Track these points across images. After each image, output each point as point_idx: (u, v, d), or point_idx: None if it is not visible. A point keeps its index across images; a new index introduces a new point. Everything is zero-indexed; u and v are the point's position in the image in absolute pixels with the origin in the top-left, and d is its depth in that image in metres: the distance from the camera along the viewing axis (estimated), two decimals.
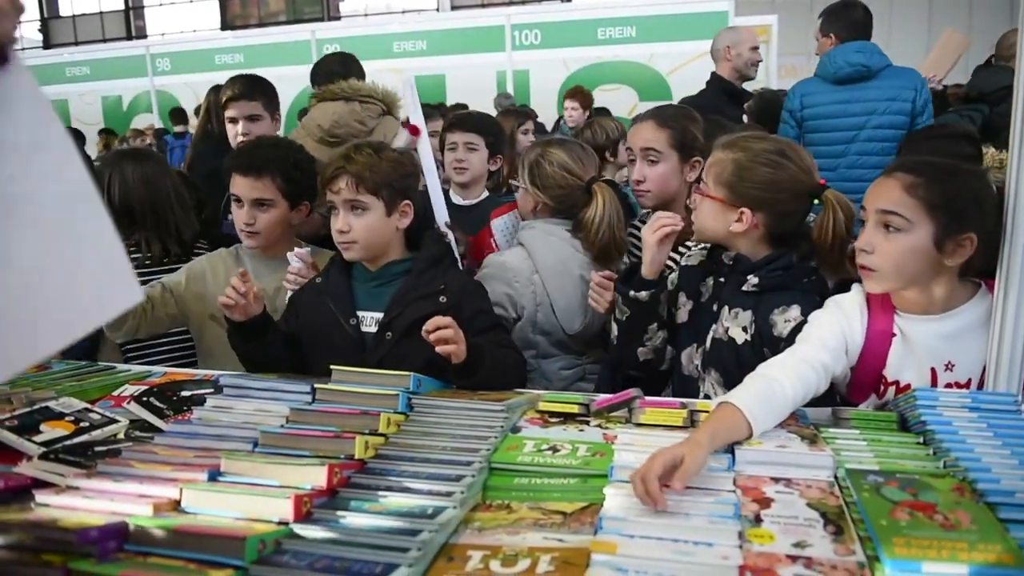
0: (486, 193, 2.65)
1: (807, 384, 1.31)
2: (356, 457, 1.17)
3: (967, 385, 1.39)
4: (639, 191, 2.06)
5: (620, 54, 6.36)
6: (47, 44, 14.97)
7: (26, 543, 0.90)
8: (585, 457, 1.20)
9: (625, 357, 1.76)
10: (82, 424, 1.39)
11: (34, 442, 1.28)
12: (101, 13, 15.90)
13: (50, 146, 0.80)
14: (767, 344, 1.52)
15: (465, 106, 5.45)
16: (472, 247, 2.22)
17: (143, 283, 1.91)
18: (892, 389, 1.42)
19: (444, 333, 1.47)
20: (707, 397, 1.61)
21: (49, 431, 1.33)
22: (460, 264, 2.00)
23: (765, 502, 1.03)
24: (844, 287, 1.53)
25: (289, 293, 1.89)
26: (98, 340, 2.21)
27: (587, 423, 1.38)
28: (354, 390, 1.39)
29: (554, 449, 1.23)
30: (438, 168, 2.82)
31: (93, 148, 7.69)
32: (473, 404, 1.37)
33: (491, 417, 1.33)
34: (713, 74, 3.72)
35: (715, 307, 1.63)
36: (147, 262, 2.20)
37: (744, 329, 1.56)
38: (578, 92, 5.16)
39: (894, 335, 1.41)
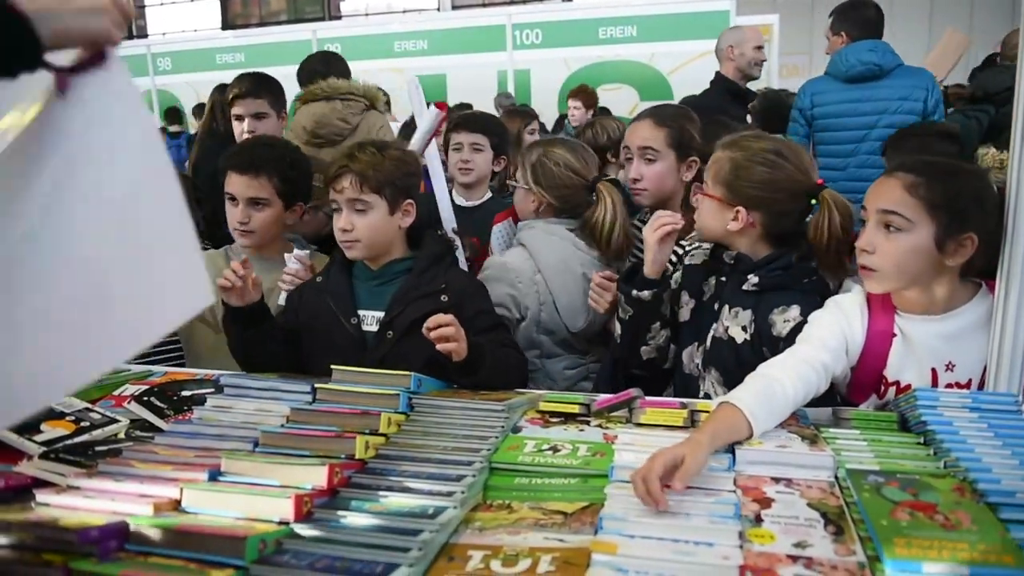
0: (489, 194, 2.65)
1: (808, 384, 1.31)
2: (357, 457, 1.17)
3: (968, 385, 1.39)
4: (636, 190, 2.06)
5: (621, 53, 6.36)
6: None
7: (27, 543, 0.90)
8: (585, 457, 1.20)
9: (628, 356, 1.76)
10: (83, 423, 1.39)
11: (34, 441, 1.28)
12: None
13: (139, 147, 0.80)
14: (766, 344, 1.52)
15: (469, 106, 5.45)
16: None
17: None
18: (893, 389, 1.42)
19: (445, 331, 1.47)
20: (707, 396, 1.61)
21: (49, 430, 1.33)
22: (467, 269, 2.01)
23: (766, 502, 1.03)
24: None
25: (284, 295, 1.89)
26: None
27: (587, 423, 1.38)
28: (354, 390, 1.39)
29: (555, 449, 1.23)
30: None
31: None
32: (474, 404, 1.37)
33: (492, 417, 1.33)
34: (717, 74, 3.71)
35: (716, 306, 1.64)
36: None
37: (744, 328, 1.56)
38: (581, 91, 5.15)
39: (895, 335, 1.41)
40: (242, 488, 1.06)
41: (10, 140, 0.87)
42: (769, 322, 1.53)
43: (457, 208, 2.43)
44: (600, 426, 1.36)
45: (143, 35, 15.37)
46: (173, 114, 7.82)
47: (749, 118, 3.84)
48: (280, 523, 0.97)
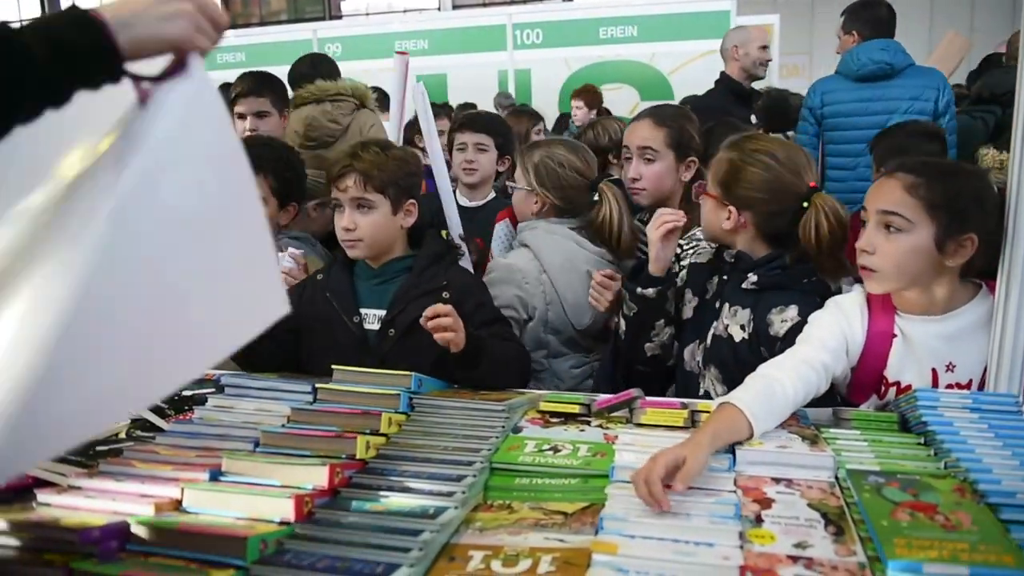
0: (493, 194, 2.65)
1: (808, 384, 1.31)
2: (357, 457, 1.17)
3: (968, 386, 1.39)
4: (635, 189, 2.07)
5: (622, 53, 6.35)
6: None
7: (28, 543, 0.90)
8: (586, 457, 1.20)
9: (632, 352, 1.78)
10: None
11: None
12: None
13: (220, 156, 0.78)
14: (764, 343, 1.53)
15: (473, 105, 5.44)
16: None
17: None
18: (893, 390, 1.42)
19: (442, 321, 1.47)
20: (706, 393, 1.63)
21: None
22: (472, 270, 2.02)
23: (766, 502, 1.03)
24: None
25: None
26: None
27: (588, 423, 1.38)
28: (355, 390, 1.39)
29: (555, 449, 1.23)
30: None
31: None
32: (474, 404, 1.37)
33: (492, 417, 1.33)
34: (722, 73, 3.70)
35: (718, 304, 1.65)
36: None
37: (742, 327, 1.57)
38: (584, 91, 5.13)
39: (895, 336, 1.41)
40: (243, 488, 1.06)
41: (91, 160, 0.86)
42: (767, 322, 1.53)
43: (461, 208, 2.43)
44: (600, 426, 1.36)
45: None
46: None
47: (754, 118, 3.82)
48: (281, 523, 0.97)
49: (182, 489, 1.04)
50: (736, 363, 1.55)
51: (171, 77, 0.85)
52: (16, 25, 0.79)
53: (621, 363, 1.97)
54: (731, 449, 1.17)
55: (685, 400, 1.45)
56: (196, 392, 1.56)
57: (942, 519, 0.93)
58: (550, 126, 5.61)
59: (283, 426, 1.29)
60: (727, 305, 1.62)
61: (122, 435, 1.38)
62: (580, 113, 5.04)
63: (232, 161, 0.76)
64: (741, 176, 1.57)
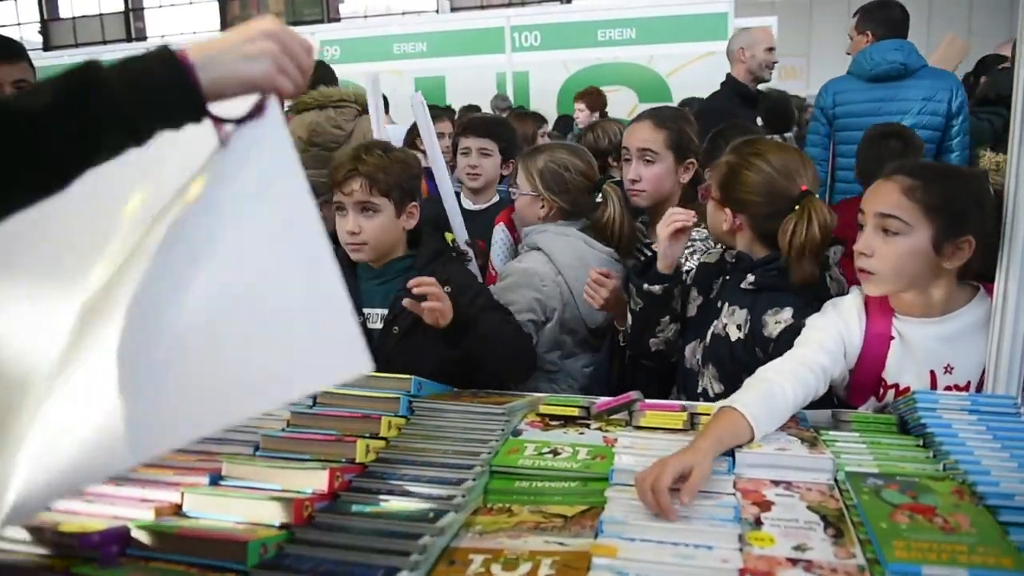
0: (497, 197, 2.66)
1: (807, 387, 1.31)
2: (357, 461, 1.18)
3: (966, 388, 1.39)
4: (634, 190, 2.09)
5: (620, 55, 6.35)
6: (47, 46, 14.97)
7: (28, 548, 0.90)
8: (586, 460, 1.20)
9: (637, 347, 1.81)
10: None
11: None
12: (101, 15, 15.89)
13: (287, 201, 0.76)
14: (758, 343, 1.55)
15: (477, 108, 5.43)
16: None
17: None
18: (892, 392, 1.43)
19: (427, 289, 1.48)
20: (704, 391, 1.65)
21: None
22: (480, 278, 2.03)
23: (765, 505, 1.03)
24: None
25: None
26: None
27: (587, 426, 1.38)
28: (355, 393, 1.39)
29: (555, 452, 1.23)
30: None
31: None
32: (474, 407, 1.37)
33: (492, 420, 1.33)
34: (728, 75, 3.70)
35: (719, 304, 1.67)
36: None
37: (739, 327, 1.59)
38: (587, 94, 5.11)
39: (892, 338, 1.41)
40: (243, 492, 1.06)
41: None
42: (762, 322, 1.55)
43: (465, 212, 2.44)
44: (600, 429, 1.36)
45: (142, 38, 15.37)
46: None
47: (759, 120, 3.81)
48: (281, 527, 0.98)
49: (182, 493, 1.04)
50: (732, 362, 1.58)
51: (252, 119, 0.85)
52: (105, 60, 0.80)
53: (617, 363, 1.99)
54: (730, 452, 1.17)
55: (685, 403, 1.45)
56: None
57: (941, 521, 0.94)
58: (550, 128, 5.61)
59: (283, 430, 1.29)
60: (726, 304, 1.64)
61: None
62: (582, 115, 5.04)
63: (298, 205, 0.75)
64: (738, 179, 1.59)
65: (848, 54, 3.48)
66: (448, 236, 2.14)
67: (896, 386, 1.42)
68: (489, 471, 1.18)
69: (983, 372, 1.37)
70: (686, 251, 1.91)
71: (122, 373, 0.68)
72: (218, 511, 1.01)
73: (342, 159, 1.75)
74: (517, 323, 1.84)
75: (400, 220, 1.73)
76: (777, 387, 1.27)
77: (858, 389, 1.46)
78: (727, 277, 1.69)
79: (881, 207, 1.36)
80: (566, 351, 2.04)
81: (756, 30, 3.92)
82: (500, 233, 2.24)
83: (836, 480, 1.11)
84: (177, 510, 1.03)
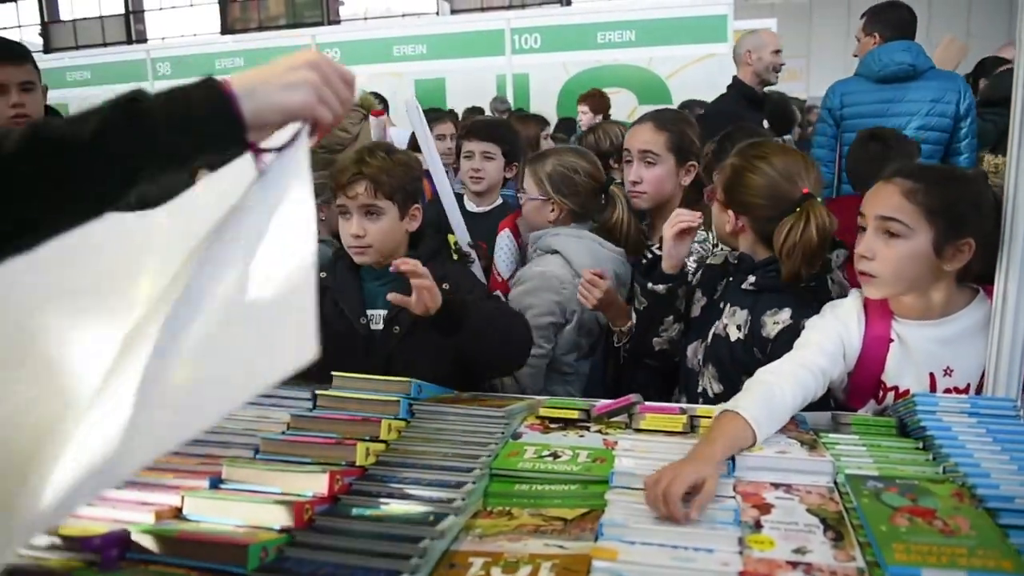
0: (500, 200, 2.66)
1: (805, 389, 1.32)
2: (357, 464, 1.18)
3: (966, 390, 1.39)
4: (634, 192, 2.10)
5: (619, 58, 6.36)
6: (47, 48, 14.98)
7: (29, 552, 0.90)
8: (586, 463, 1.20)
9: (641, 345, 1.82)
10: None
11: None
12: (101, 17, 15.91)
13: (291, 211, 0.78)
14: (757, 344, 1.56)
15: (481, 110, 5.43)
16: None
17: None
18: (891, 394, 1.43)
19: (410, 268, 1.49)
20: (704, 391, 1.66)
21: None
22: (484, 279, 2.04)
23: (765, 508, 1.03)
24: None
25: None
26: None
27: (587, 429, 1.38)
28: (355, 396, 1.39)
29: (555, 455, 1.23)
30: (448, 172, 2.80)
31: None
32: (474, 410, 1.37)
33: (492, 423, 1.33)
34: (734, 78, 3.70)
35: (722, 304, 1.68)
36: None
37: (739, 327, 1.60)
38: (590, 96, 5.11)
39: (892, 340, 1.42)
40: (243, 496, 1.06)
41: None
42: (760, 323, 1.56)
43: (468, 214, 2.45)
44: (600, 432, 1.36)
45: (142, 40, 15.38)
46: None
47: (766, 123, 3.81)
48: (281, 530, 0.98)
49: (182, 497, 1.04)
50: (732, 362, 1.59)
51: (289, 147, 0.87)
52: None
53: (612, 364, 2.00)
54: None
55: (684, 405, 1.45)
56: None
57: (940, 524, 0.94)
58: (552, 130, 5.60)
59: (283, 433, 1.29)
60: (728, 305, 1.65)
61: None
62: (586, 118, 5.03)
63: (300, 217, 0.76)
64: (741, 181, 1.61)
65: (855, 56, 3.47)
66: (451, 238, 2.14)
67: (895, 388, 1.42)
68: (489, 474, 1.18)
69: (983, 374, 1.37)
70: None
71: (139, 388, 0.69)
72: (218, 514, 1.01)
73: (345, 162, 1.75)
74: (511, 309, 1.85)
75: (403, 222, 1.74)
76: (777, 389, 1.27)
77: (857, 391, 1.46)
78: (730, 279, 1.70)
79: (882, 210, 1.36)
80: (582, 353, 2.06)
81: (763, 32, 3.92)
82: (505, 239, 2.25)
83: (836, 483, 1.11)
84: (177, 513, 1.03)
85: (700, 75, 5.86)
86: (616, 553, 0.91)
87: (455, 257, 1.97)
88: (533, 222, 2.12)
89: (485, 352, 1.63)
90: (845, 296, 1.51)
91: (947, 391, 1.39)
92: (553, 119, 5.97)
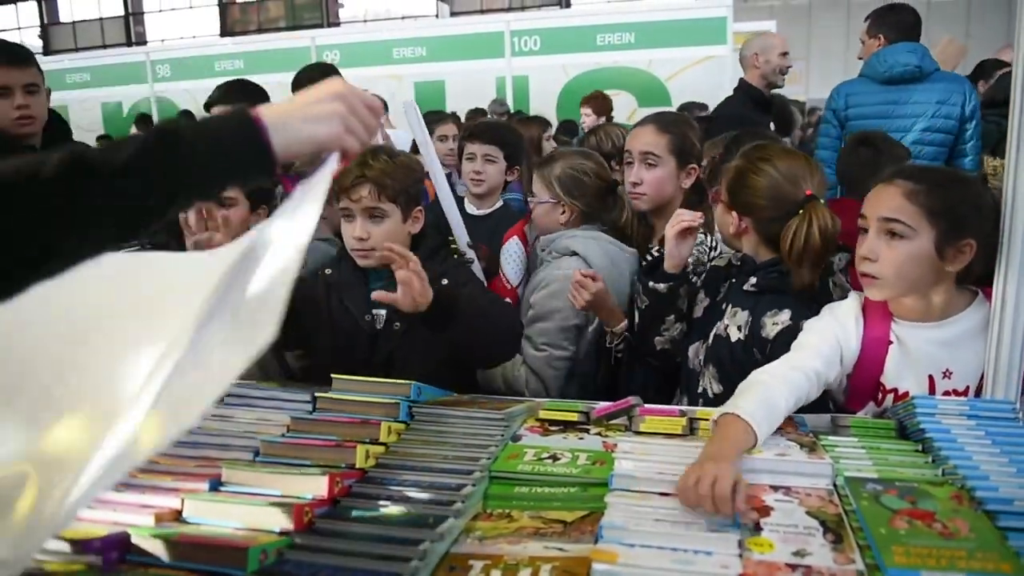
0: (500, 202, 2.67)
1: (799, 391, 1.32)
2: (357, 466, 1.18)
3: (965, 393, 1.40)
4: (635, 194, 2.10)
5: (619, 60, 6.38)
6: (47, 50, 15.00)
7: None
8: (585, 465, 1.20)
9: (643, 345, 1.84)
10: None
11: None
12: (101, 19, 15.93)
13: (301, 223, 0.80)
14: (756, 344, 1.56)
15: (484, 112, 5.44)
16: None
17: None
18: (890, 396, 1.43)
19: (391, 256, 1.50)
20: (704, 391, 1.67)
21: None
22: (484, 280, 2.04)
23: (764, 510, 1.03)
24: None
25: None
26: None
27: (587, 431, 1.38)
28: (354, 399, 1.39)
29: (554, 458, 1.24)
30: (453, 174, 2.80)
31: None
32: (473, 413, 1.37)
33: (491, 426, 1.33)
34: (741, 80, 3.70)
35: (724, 305, 1.69)
36: None
37: (739, 328, 1.61)
38: (593, 98, 5.11)
39: (891, 342, 1.42)
40: (243, 498, 1.06)
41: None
42: (760, 324, 1.56)
43: (468, 217, 2.45)
44: (599, 434, 1.36)
45: (142, 42, 15.41)
46: (146, 122, 7.85)
47: (772, 125, 3.80)
48: (281, 533, 0.98)
49: (182, 499, 1.04)
50: (732, 363, 1.59)
51: (313, 174, 0.89)
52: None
53: (604, 365, 2.00)
54: None
55: (683, 407, 1.45)
56: None
57: (940, 526, 0.94)
58: (553, 132, 5.61)
59: (283, 436, 1.29)
60: (729, 306, 1.66)
61: None
62: (589, 120, 5.03)
63: (299, 225, 0.79)
64: (745, 183, 1.61)
65: (860, 58, 3.47)
66: (450, 242, 2.15)
67: (895, 391, 1.42)
68: (489, 476, 1.18)
69: (982, 377, 1.37)
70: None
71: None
72: (218, 517, 1.01)
73: (348, 165, 1.76)
74: (501, 300, 1.87)
75: (406, 225, 1.75)
76: (774, 391, 1.27)
77: (857, 393, 1.46)
78: (733, 280, 1.71)
79: (884, 211, 1.37)
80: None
81: (770, 35, 3.92)
82: (513, 246, 2.25)
83: (835, 485, 1.11)
84: (177, 516, 1.03)
85: (700, 77, 5.88)
86: (616, 555, 0.91)
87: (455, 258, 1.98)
88: (544, 225, 2.13)
89: (477, 344, 1.64)
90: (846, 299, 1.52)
91: (946, 393, 1.39)
92: (553, 121, 5.98)
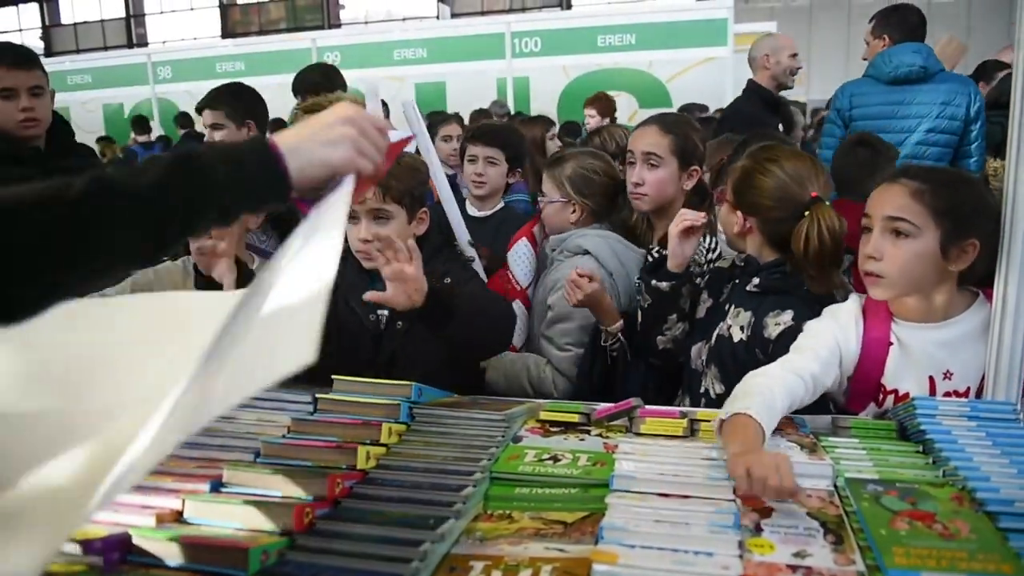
0: (502, 203, 2.67)
1: (793, 394, 1.32)
2: (358, 467, 1.18)
3: (966, 394, 1.40)
4: (636, 194, 2.11)
5: (620, 61, 6.39)
6: (48, 52, 15.02)
7: None
8: (586, 467, 1.20)
9: (645, 344, 1.84)
10: None
11: None
12: (102, 21, 15.95)
13: (324, 240, 0.81)
14: (758, 345, 1.56)
15: (486, 113, 5.44)
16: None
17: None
18: (891, 397, 1.43)
19: (379, 248, 1.49)
20: (706, 391, 1.67)
21: None
22: (484, 278, 2.05)
23: (765, 511, 1.03)
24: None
25: None
26: None
27: (587, 432, 1.38)
28: (355, 400, 1.39)
29: (555, 459, 1.24)
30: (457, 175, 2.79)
31: None
32: (474, 413, 1.37)
33: (492, 427, 1.33)
34: (750, 81, 3.70)
35: (727, 306, 1.69)
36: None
37: (742, 328, 1.61)
38: (597, 99, 5.12)
39: (891, 343, 1.42)
40: (244, 499, 1.06)
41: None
42: (763, 324, 1.56)
43: (470, 218, 2.45)
44: (600, 435, 1.36)
45: (143, 44, 15.43)
46: (141, 123, 7.87)
47: (780, 127, 3.80)
48: (282, 534, 0.98)
49: (183, 500, 1.04)
50: (734, 363, 1.59)
51: (328, 194, 0.92)
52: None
53: (600, 364, 2.00)
54: None
55: (684, 409, 1.45)
56: None
57: (940, 528, 0.94)
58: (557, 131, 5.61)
59: (283, 437, 1.29)
60: (732, 306, 1.66)
61: None
62: (593, 121, 5.04)
63: (326, 246, 0.79)
64: (751, 183, 1.62)
65: (864, 59, 3.47)
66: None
67: (895, 391, 1.42)
68: (489, 477, 1.18)
69: (982, 378, 1.37)
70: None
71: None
72: (219, 518, 1.01)
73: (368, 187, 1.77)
74: (495, 293, 1.88)
75: (411, 227, 1.75)
76: (773, 392, 1.27)
77: (857, 395, 1.46)
78: (736, 281, 1.71)
79: (889, 210, 1.37)
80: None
81: (780, 36, 3.92)
82: (523, 248, 2.26)
83: (836, 486, 1.11)
84: (178, 517, 1.03)
85: (700, 78, 5.89)
86: (616, 556, 0.91)
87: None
88: (555, 225, 2.14)
89: (473, 337, 1.63)
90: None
91: (947, 394, 1.39)
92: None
